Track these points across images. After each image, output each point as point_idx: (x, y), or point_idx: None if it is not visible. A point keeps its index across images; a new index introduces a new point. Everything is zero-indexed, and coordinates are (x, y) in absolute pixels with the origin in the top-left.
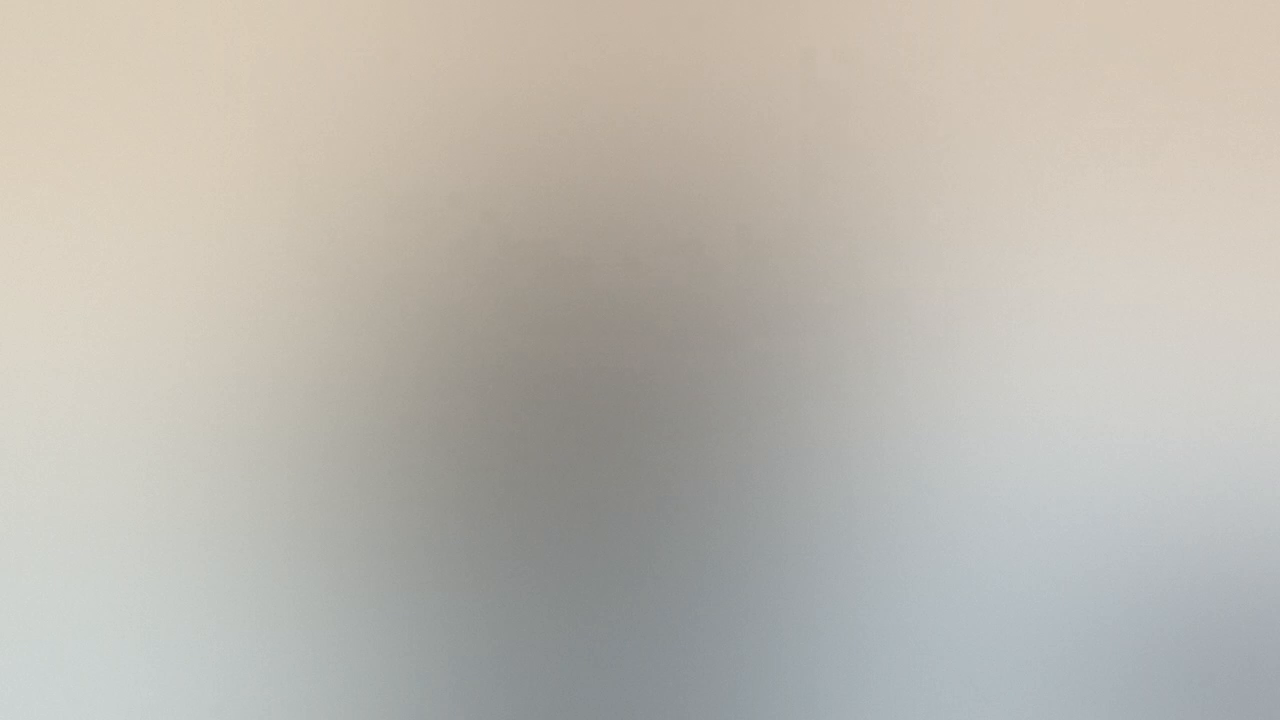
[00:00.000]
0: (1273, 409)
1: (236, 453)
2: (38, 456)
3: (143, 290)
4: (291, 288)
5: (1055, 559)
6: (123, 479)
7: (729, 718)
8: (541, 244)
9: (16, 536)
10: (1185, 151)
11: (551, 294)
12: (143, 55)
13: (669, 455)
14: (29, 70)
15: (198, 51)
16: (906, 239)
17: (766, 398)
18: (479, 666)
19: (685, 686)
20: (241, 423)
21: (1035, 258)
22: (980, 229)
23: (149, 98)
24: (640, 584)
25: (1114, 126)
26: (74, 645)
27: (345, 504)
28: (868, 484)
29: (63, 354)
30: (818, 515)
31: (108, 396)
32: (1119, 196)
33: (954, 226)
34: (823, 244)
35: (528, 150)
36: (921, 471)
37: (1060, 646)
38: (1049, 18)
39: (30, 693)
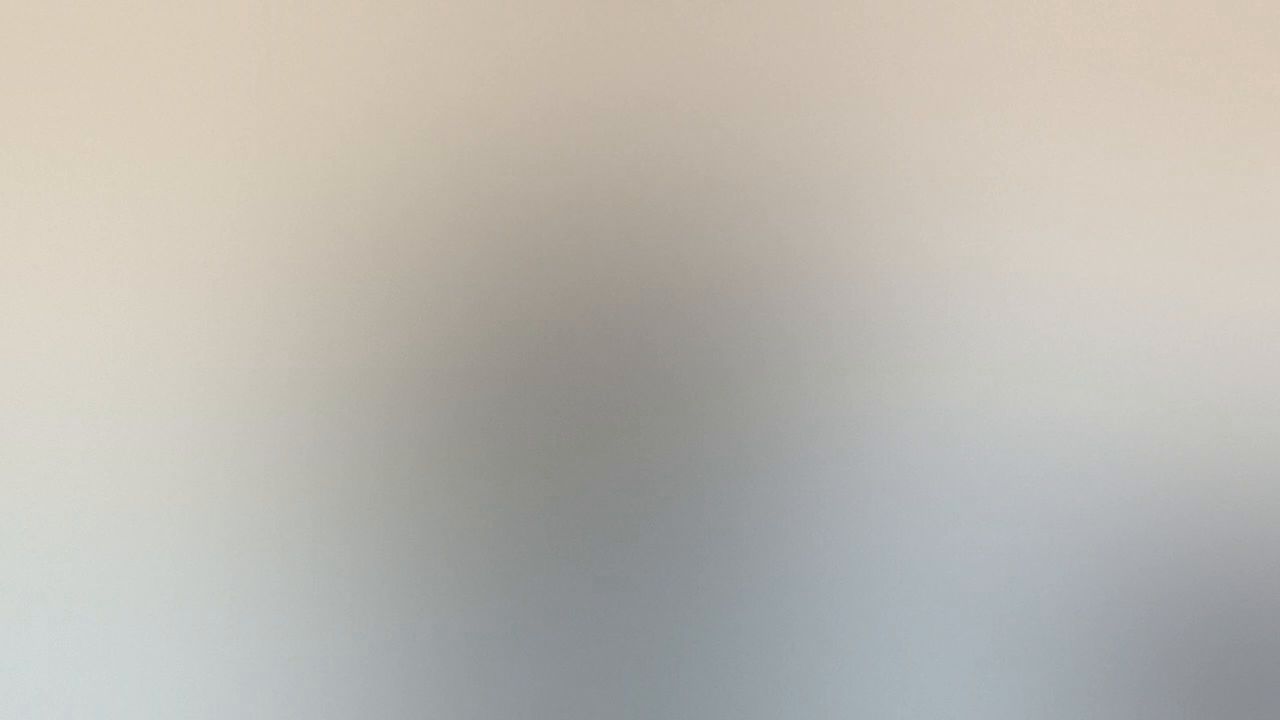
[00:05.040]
0: (1269, 402)
1: (242, 444)
2: (47, 444)
3: (152, 281)
4: (301, 280)
5: (1052, 554)
6: (131, 468)
7: (724, 712)
8: (543, 240)
9: (24, 524)
10: (1176, 139)
11: (553, 290)
12: (158, 46)
13: (665, 452)
14: (46, 62)
15: (212, 44)
16: (904, 232)
17: (764, 394)
18: (482, 663)
19: (683, 684)
20: (247, 415)
21: (1030, 251)
22: (977, 222)
23: (163, 88)
24: (635, 582)
25: (1103, 119)
26: (83, 630)
27: (353, 497)
28: (863, 480)
29: (72, 344)
30: (816, 511)
31: (116, 385)
32: (1115, 189)
33: (951, 220)
34: (819, 239)
35: (532, 149)
36: (915, 465)
37: (1058, 640)
38: (1038, 9)
39: (34, 683)
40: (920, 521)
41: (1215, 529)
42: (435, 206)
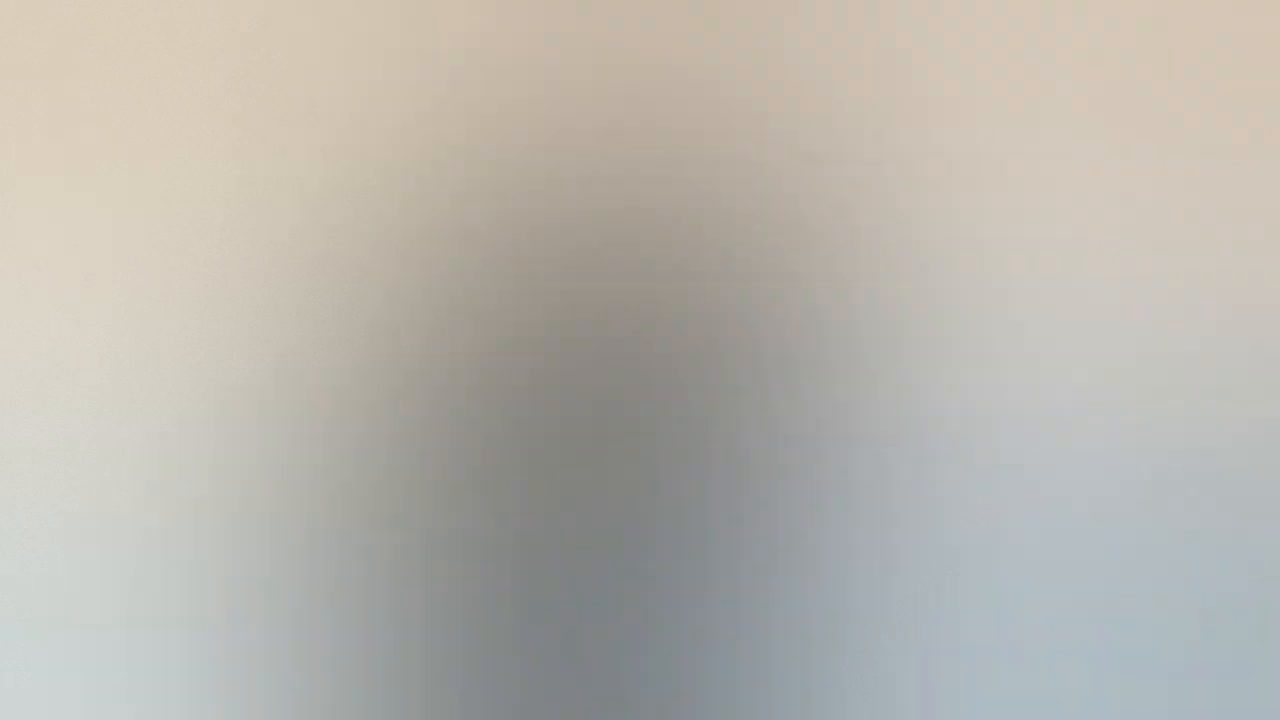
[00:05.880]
0: (1271, 397)
1: (241, 445)
2: (47, 445)
3: (150, 282)
4: (300, 281)
5: (1056, 554)
6: (129, 468)
7: (723, 715)
8: (544, 239)
9: (24, 524)
10: (1179, 137)
11: (553, 290)
12: (156, 46)
13: (665, 453)
14: (44, 62)
15: (208, 44)
16: (907, 227)
17: (767, 392)
18: (481, 668)
19: (685, 687)
20: (246, 416)
21: (1034, 246)
22: (981, 218)
23: (160, 89)
24: (636, 583)
25: (1107, 115)
26: (82, 631)
27: (353, 499)
28: (873, 480)
29: (70, 344)
30: (820, 511)
31: (115, 386)
32: (1119, 188)
33: (954, 216)
34: (820, 236)
35: (535, 149)
36: (918, 464)
37: (1071, 646)
38: (1038, 7)
39: (34, 683)
40: (923, 523)
41: (1223, 527)
42: (437, 208)
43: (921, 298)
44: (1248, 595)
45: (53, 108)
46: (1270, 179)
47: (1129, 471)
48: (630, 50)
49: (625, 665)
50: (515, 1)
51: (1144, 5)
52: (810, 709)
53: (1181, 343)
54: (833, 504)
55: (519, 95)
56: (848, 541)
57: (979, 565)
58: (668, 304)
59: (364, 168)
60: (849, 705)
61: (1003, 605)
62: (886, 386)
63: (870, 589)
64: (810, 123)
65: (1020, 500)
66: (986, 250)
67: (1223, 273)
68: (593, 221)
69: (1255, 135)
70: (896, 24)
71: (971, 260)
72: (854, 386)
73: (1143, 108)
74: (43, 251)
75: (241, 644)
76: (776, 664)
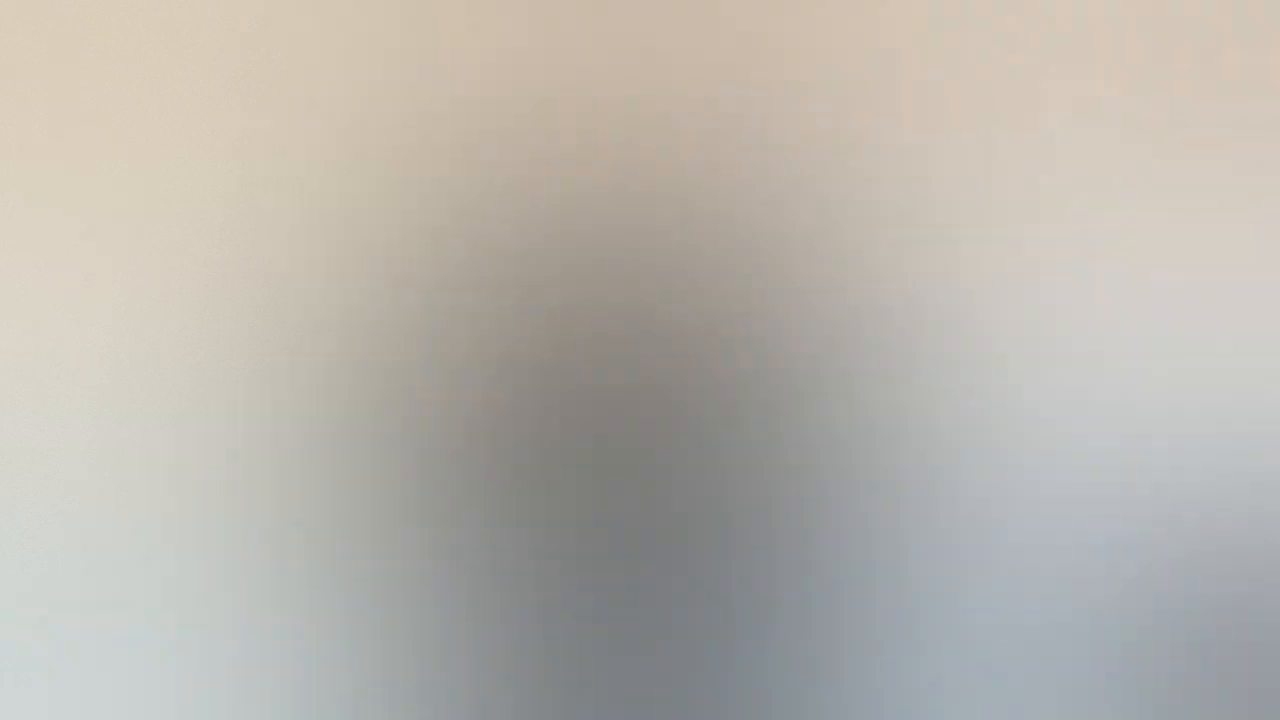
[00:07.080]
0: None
1: (243, 446)
2: (47, 445)
3: (150, 282)
4: (301, 281)
5: (1064, 555)
6: (131, 470)
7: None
8: (546, 239)
9: (24, 524)
10: (1191, 146)
11: (555, 289)
12: (156, 46)
13: (670, 458)
14: (43, 61)
15: (208, 44)
16: (917, 237)
17: (775, 399)
18: (485, 675)
19: (688, 690)
20: (247, 417)
21: (1045, 256)
22: (990, 227)
23: (160, 89)
24: (642, 589)
25: (1118, 126)
26: (81, 632)
27: (355, 501)
28: (874, 490)
29: (71, 344)
30: (830, 519)
31: (116, 387)
32: (1126, 197)
33: (964, 225)
34: (830, 244)
35: (534, 147)
36: (927, 475)
37: (1080, 656)
38: (1048, 13)
39: (33, 684)
40: (932, 524)
41: (1236, 525)
42: (437, 207)
43: (922, 299)
44: (1249, 596)
45: (53, 108)
46: (1271, 179)
47: (1130, 473)
48: (632, 50)
49: (627, 669)
50: (515, 1)
51: (1144, 5)
52: (814, 712)
53: (1182, 343)
54: (836, 506)
55: (519, 95)
56: (855, 544)
57: (980, 568)
58: (669, 304)
59: (364, 168)
60: (852, 707)
61: (1007, 609)
62: (887, 386)
63: (874, 592)
64: (813, 124)
65: (1023, 503)
66: (986, 250)
67: (1223, 273)
68: (596, 221)
69: (1257, 135)
70: (897, 25)
71: (971, 261)
72: (855, 387)
73: (1144, 108)
74: (43, 251)
75: (243, 644)
76: (779, 668)
